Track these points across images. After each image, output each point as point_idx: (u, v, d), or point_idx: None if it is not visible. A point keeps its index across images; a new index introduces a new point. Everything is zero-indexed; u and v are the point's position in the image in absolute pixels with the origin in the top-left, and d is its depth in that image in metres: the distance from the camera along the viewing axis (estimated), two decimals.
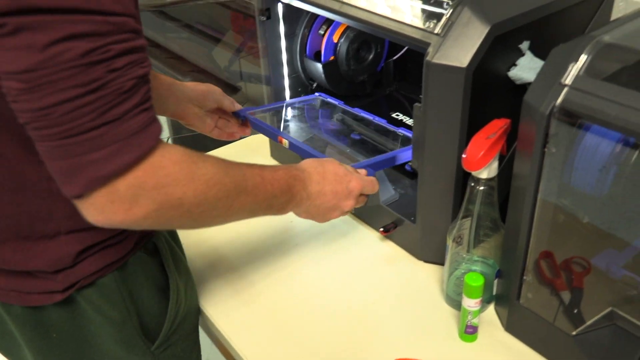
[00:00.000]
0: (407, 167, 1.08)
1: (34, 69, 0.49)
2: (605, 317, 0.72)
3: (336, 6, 0.94)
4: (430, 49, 0.80)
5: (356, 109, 1.19)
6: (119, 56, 0.53)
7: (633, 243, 0.69)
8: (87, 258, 0.71)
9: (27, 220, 0.68)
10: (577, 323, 0.75)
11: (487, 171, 0.78)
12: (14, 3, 0.48)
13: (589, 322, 0.73)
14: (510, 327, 0.84)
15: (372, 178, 0.88)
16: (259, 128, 1.08)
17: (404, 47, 1.30)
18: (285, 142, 1.00)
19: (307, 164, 0.83)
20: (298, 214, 0.83)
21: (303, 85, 1.27)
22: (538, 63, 0.84)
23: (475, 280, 0.79)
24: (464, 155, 0.78)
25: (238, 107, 1.07)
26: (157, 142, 0.57)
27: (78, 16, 0.50)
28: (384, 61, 1.30)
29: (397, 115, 1.20)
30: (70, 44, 0.50)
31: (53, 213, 0.68)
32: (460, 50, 0.79)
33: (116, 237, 0.73)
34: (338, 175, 0.83)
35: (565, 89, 0.65)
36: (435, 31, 0.81)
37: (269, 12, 1.11)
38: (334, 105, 1.23)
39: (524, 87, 0.86)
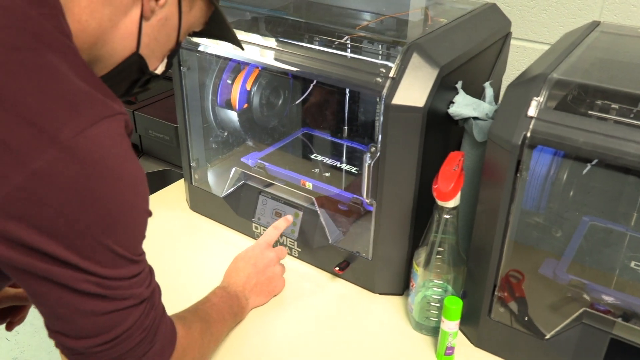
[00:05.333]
0: (340, 207, 1.12)
1: None
2: (576, 318, 0.81)
3: (286, 57, 0.97)
4: (385, 92, 0.86)
5: (345, 141, 1.28)
6: None
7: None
8: None
9: None
10: (549, 327, 0.84)
11: (454, 201, 0.85)
12: None
13: (562, 324, 0.82)
14: (481, 342, 0.90)
15: (281, 248, 1.04)
16: (278, 174, 1.15)
17: (306, 91, 1.35)
18: (309, 184, 1.11)
19: (227, 274, 0.99)
20: (254, 304, 0.98)
21: (215, 134, 1.25)
22: (470, 100, 0.94)
23: (454, 303, 0.84)
24: (435, 186, 0.83)
25: None
26: None
27: None
28: (289, 106, 1.34)
29: (316, 156, 1.24)
30: None
31: None
32: (415, 91, 0.85)
33: None
34: (256, 266, 0.99)
35: (533, 121, 0.74)
36: (390, 75, 0.86)
37: (188, 63, 1.09)
38: (322, 138, 1.29)
39: (456, 122, 0.95)
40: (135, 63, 0.69)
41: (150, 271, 0.67)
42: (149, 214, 0.64)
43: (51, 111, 0.54)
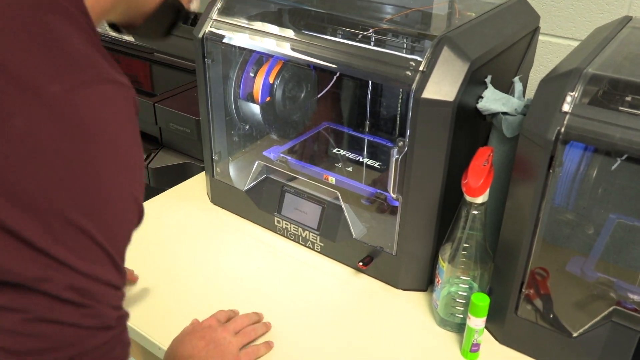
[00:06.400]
0: (363, 202, 1.11)
1: None
2: (606, 316, 0.80)
3: (312, 50, 0.96)
4: (415, 86, 0.85)
5: (367, 135, 1.25)
6: None
7: None
8: None
9: None
10: (576, 325, 0.83)
11: (483, 196, 0.84)
12: None
13: (590, 323, 0.81)
14: (507, 339, 0.89)
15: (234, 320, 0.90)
16: (300, 168, 1.13)
17: (329, 85, 1.34)
18: (332, 179, 1.08)
19: (168, 351, 0.83)
20: None
21: (237, 127, 1.25)
22: (499, 94, 0.93)
23: (482, 300, 0.83)
24: (464, 181, 0.82)
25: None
26: None
27: None
28: (311, 100, 1.33)
29: (338, 150, 1.23)
30: None
31: None
32: (445, 85, 0.84)
33: None
34: (204, 337, 0.84)
35: (567, 116, 0.73)
36: (420, 68, 0.85)
37: (212, 55, 1.09)
38: (343, 133, 1.27)
39: (484, 117, 0.94)
40: (170, 5, 0.70)
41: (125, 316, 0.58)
42: (140, 210, 0.57)
43: (40, 67, 0.49)
